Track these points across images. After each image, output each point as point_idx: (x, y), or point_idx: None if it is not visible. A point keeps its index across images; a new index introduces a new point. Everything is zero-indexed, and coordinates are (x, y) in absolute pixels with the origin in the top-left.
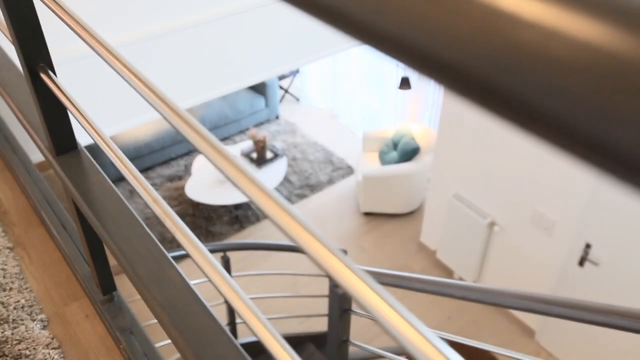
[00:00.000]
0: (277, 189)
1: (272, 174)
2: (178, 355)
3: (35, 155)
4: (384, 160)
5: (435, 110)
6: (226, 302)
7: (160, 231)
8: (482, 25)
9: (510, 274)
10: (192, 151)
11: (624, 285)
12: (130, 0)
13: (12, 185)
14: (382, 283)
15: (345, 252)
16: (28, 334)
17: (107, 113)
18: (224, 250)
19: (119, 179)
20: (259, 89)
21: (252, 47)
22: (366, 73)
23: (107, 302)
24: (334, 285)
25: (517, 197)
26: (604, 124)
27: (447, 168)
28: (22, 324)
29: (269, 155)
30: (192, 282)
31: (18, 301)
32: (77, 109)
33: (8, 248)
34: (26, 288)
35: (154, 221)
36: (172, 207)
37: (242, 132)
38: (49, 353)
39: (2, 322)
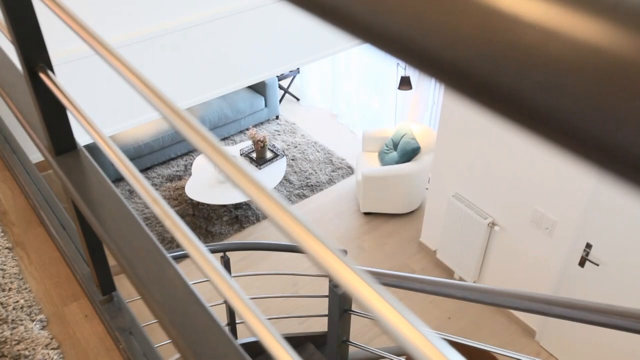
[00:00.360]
0: (276, 189)
1: (272, 174)
2: (178, 355)
3: (35, 155)
4: (384, 160)
5: (436, 110)
6: (226, 302)
7: (160, 231)
8: (482, 25)
9: (510, 274)
10: (191, 151)
11: (624, 286)
12: (130, 1)
13: (12, 185)
14: (382, 283)
15: (345, 252)
16: (27, 334)
17: (106, 113)
18: (223, 250)
19: (119, 179)
20: (259, 88)
21: (252, 47)
22: (366, 73)
23: (106, 302)
24: (334, 285)
25: (518, 197)
26: (604, 124)
27: (447, 168)
28: (21, 324)
29: (268, 155)
30: (191, 283)
31: (17, 301)
32: (76, 108)
33: (7, 248)
34: (25, 288)
35: (154, 221)
36: (171, 207)
37: (242, 132)
38: (48, 353)
39: (1, 322)
